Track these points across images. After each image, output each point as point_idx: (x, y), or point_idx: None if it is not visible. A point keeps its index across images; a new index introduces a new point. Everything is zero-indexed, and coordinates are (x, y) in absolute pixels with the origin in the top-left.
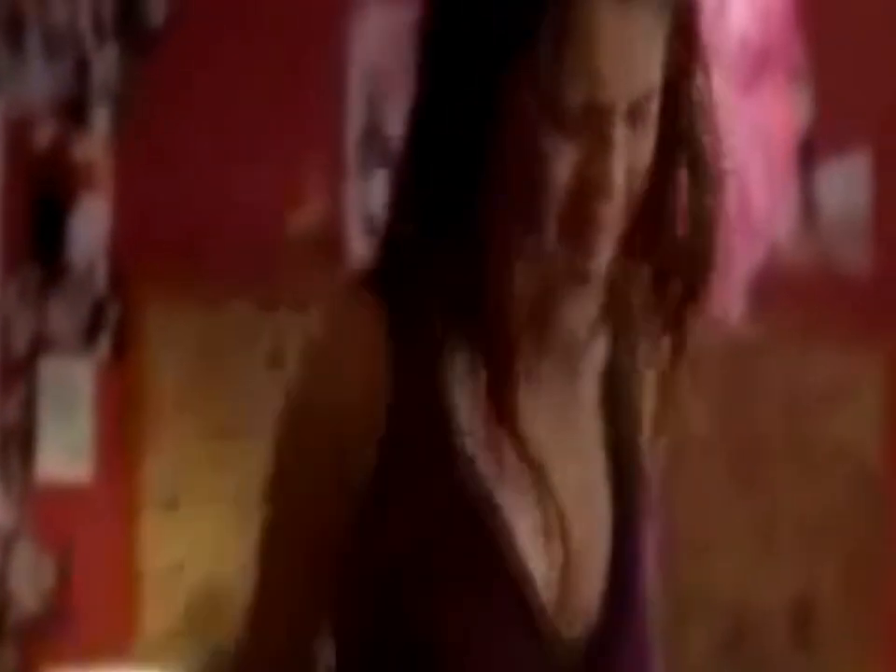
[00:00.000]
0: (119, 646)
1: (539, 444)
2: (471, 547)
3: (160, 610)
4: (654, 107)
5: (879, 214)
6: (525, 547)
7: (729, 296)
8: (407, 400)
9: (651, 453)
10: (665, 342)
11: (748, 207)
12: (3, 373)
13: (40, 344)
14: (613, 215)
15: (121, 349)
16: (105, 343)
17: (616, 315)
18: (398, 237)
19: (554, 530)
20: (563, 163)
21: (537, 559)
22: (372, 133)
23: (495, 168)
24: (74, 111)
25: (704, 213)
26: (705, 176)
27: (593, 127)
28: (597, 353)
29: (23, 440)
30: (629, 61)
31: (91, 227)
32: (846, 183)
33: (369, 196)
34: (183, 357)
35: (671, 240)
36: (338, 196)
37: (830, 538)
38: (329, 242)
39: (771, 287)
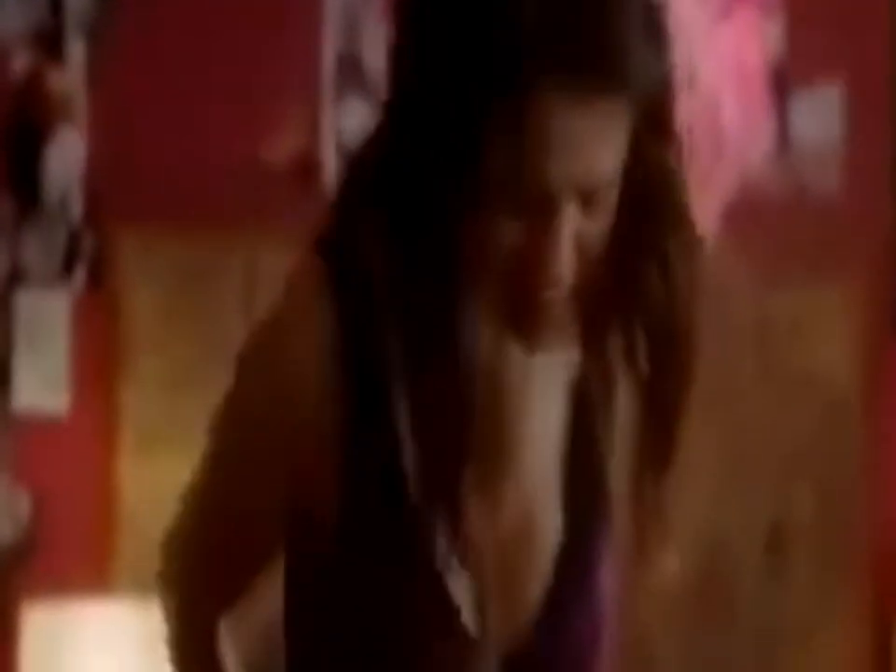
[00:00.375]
0: (96, 578)
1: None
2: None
3: (136, 542)
4: (612, 195)
5: (851, 143)
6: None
7: (702, 223)
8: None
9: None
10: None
11: (720, 133)
12: None
13: (15, 277)
14: (559, 301)
15: (97, 281)
16: (80, 276)
17: (588, 339)
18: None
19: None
20: (508, 244)
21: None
22: (348, 62)
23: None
24: (49, 43)
25: (678, 289)
26: (677, 255)
27: (540, 213)
28: (565, 370)
29: None
30: (580, 154)
31: (66, 158)
32: (818, 113)
33: (345, 124)
34: (158, 288)
35: (648, 311)
36: (314, 126)
37: (801, 465)
38: (306, 172)
39: (744, 215)
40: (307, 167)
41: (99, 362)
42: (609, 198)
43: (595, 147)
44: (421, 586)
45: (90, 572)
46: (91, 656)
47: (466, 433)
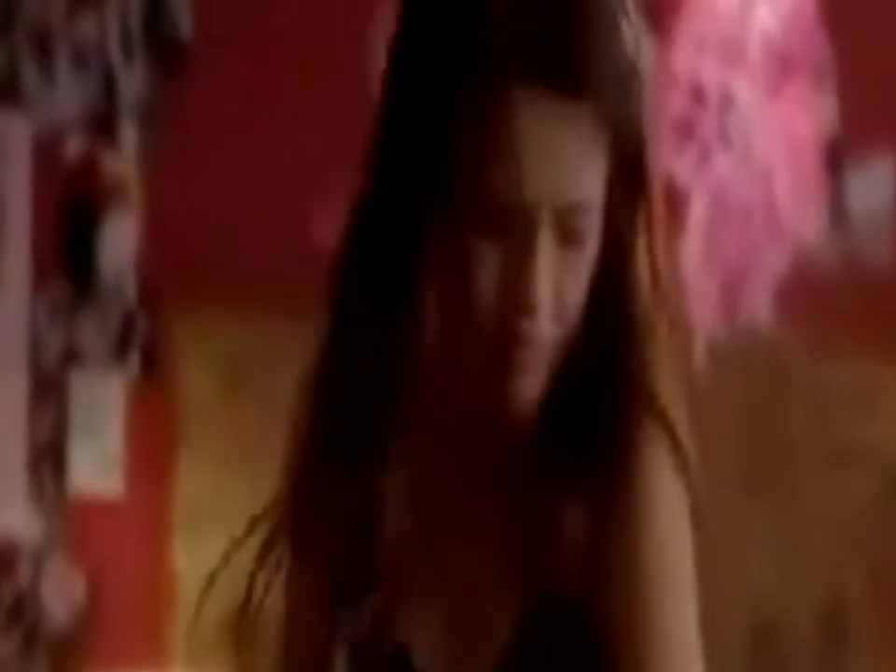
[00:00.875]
0: (151, 657)
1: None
2: None
3: (190, 621)
4: (589, 234)
5: None
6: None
7: (757, 299)
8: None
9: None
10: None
11: (775, 210)
12: (34, 389)
13: (70, 360)
14: (539, 338)
15: (151, 364)
16: (134, 359)
17: None
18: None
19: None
20: (486, 271)
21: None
22: None
23: (426, 274)
24: (103, 126)
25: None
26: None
27: (516, 232)
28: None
29: (55, 455)
30: (554, 166)
31: (120, 241)
32: (872, 186)
33: None
34: (213, 372)
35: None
36: None
37: (857, 543)
38: None
39: (799, 291)
40: None
41: (153, 444)
42: (586, 240)
43: (568, 158)
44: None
45: (145, 651)
46: None
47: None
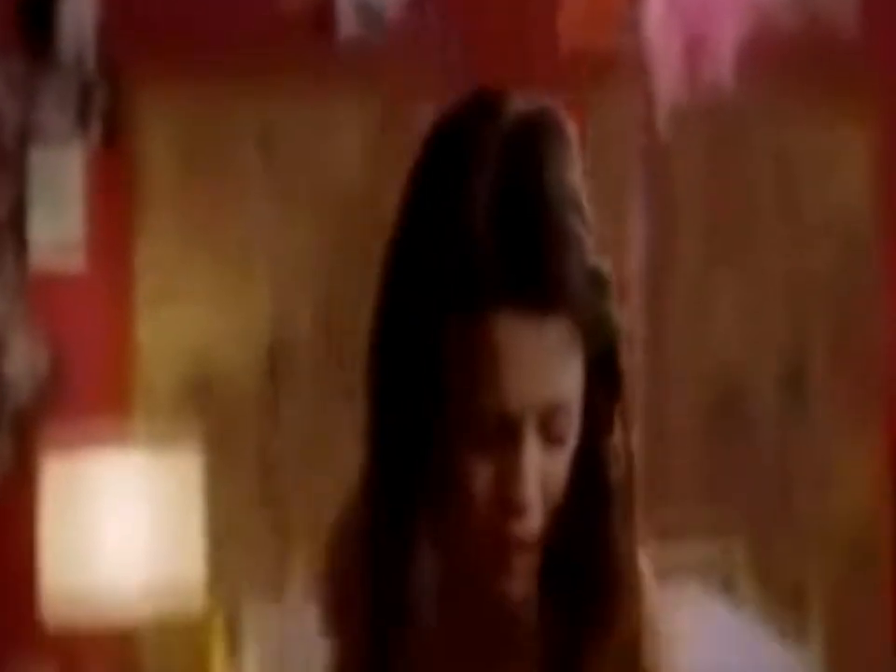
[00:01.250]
0: (113, 430)
1: None
2: None
3: (152, 395)
4: (570, 431)
5: None
6: None
7: (719, 61)
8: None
9: None
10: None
11: None
12: None
13: (29, 134)
14: (530, 534)
15: (111, 137)
16: (94, 132)
17: None
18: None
19: None
20: (479, 481)
21: None
22: None
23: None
24: None
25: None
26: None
27: (504, 440)
28: None
29: (15, 232)
30: (533, 376)
31: (80, 13)
32: None
33: None
34: (173, 143)
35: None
36: None
37: (819, 307)
38: (320, 20)
39: (761, 53)
40: (321, 15)
41: (114, 218)
42: (569, 434)
43: (547, 366)
44: None
45: (107, 424)
46: (109, 506)
47: None
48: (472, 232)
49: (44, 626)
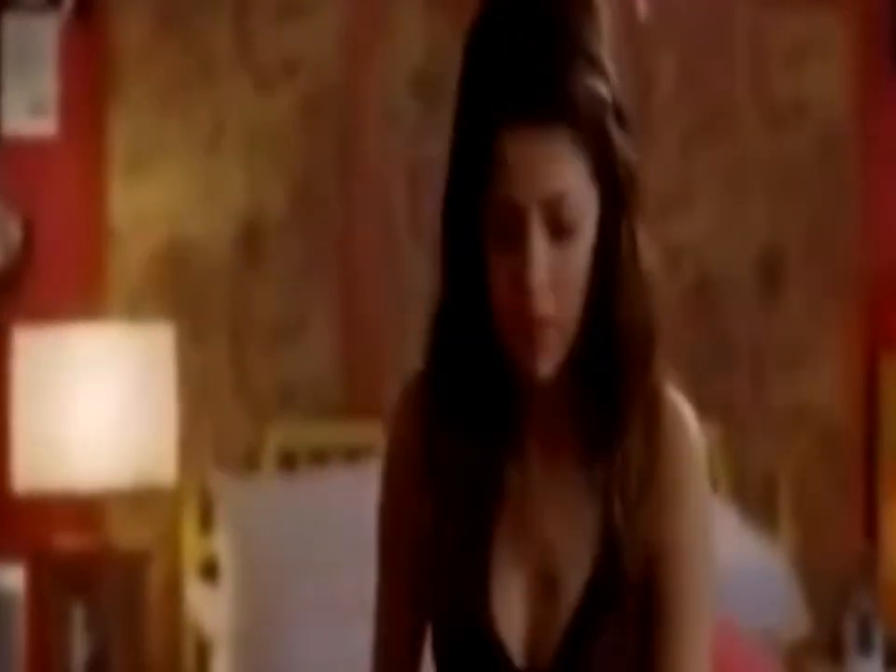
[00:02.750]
0: (86, 301)
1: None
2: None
3: (125, 265)
4: (577, 226)
5: None
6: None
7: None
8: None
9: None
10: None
11: None
12: None
13: (3, 2)
14: (546, 313)
15: (85, 5)
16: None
17: None
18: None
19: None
20: (501, 273)
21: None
22: None
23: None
24: None
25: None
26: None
27: (515, 231)
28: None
29: None
30: (535, 172)
31: None
32: None
33: None
34: (146, 10)
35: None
36: None
37: (795, 192)
38: None
39: None
40: None
41: (88, 86)
42: (576, 226)
43: (549, 165)
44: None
45: (80, 295)
46: (82, 378)
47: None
48: (496, 59)
49: (14, 494)
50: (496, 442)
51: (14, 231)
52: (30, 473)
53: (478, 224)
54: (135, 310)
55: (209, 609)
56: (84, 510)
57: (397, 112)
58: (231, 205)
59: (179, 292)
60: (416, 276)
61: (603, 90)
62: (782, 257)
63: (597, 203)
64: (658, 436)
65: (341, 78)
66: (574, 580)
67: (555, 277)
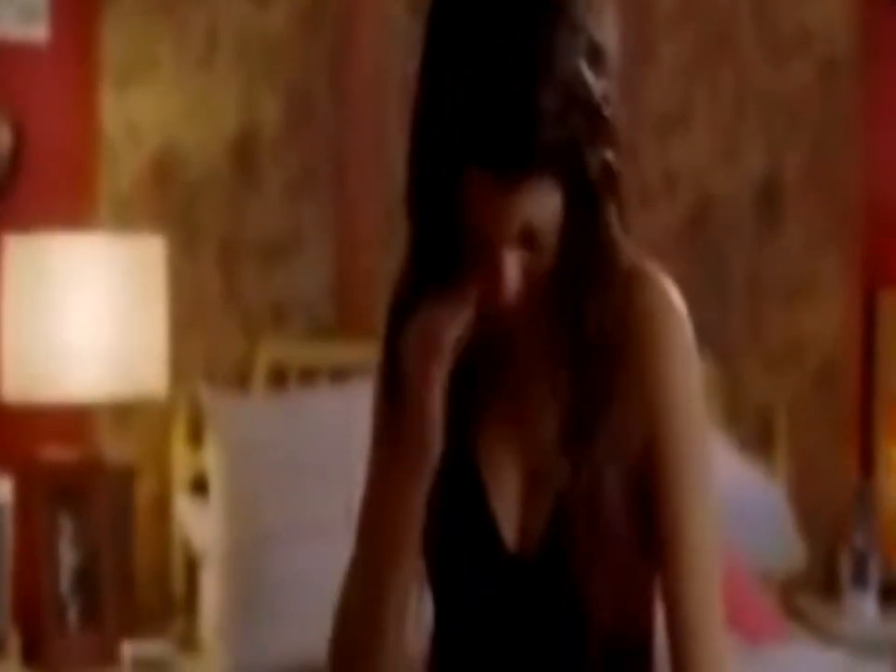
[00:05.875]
0: (77, 210)
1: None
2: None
3: (117, 175)
4: (548, 237)
5: None
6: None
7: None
8: None
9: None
10: None
11: None
12: None
13: None
14: (518, 294)
15: None
16: None
17: None
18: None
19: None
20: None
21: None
22: None
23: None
24: None
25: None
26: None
27: (487, 249)
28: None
29: None
30: (506, 214)
31: None
32: None
33: None
34: None
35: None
36: None
37: (794, 124)
38: None
39: None
40: None
41: None
42: (548, 240)
43: (520, 207)
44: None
45: (70, 204)
46: (72, 288)
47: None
48: (462, 84)
49: (2, 405)
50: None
51: (4, 138)
52: (19, 384)
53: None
54: (126, 221)
55: (198, 523)
56: (73, 421)
57: (393, 26)
58: (225, 117)
59: (171, 204)
60: None
61: (581, 87)
62: (781, 188)
63: (564, 204)
64: (637, 309)
65: None
66: (557, 460)
67: (524, 273)
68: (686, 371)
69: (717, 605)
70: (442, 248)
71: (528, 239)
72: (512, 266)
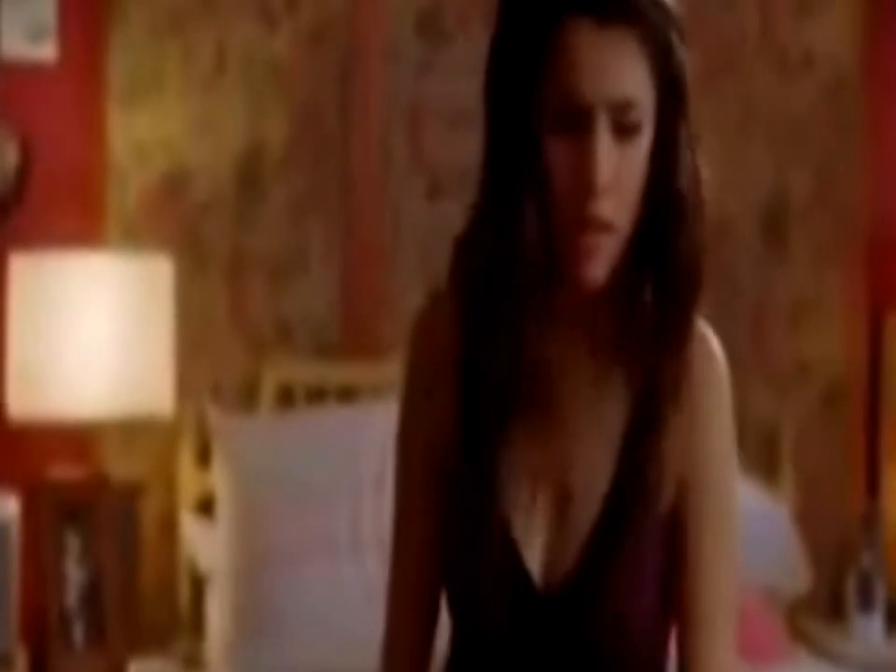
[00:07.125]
0: (84, 229)
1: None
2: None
3: (124, 194)
4: (639, 129)
5: None
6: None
7: None
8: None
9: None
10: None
11: None
12: None
13: None
14: (604, 216)
15: None
16: None
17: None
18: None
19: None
20: (561, 167)
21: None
22: None
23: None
24: None
25: (690, 242)
26: (686, 211)
27: (581, 128)
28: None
29: None
30: (604, 74)
31: None
32: None
33: None
34: None
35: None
36: None
37: (800, 146)
38: None
39: None
40: None
41: (87, 11)
42: (639, 127)
43: (616, 67)
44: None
45: (77, 222)
46: (79, 306)
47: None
48: None
49: (9, 423)
50: (525, 341)
51: (11, 157)
52: (25, 402)
53: (529, 114)
54: (133, 239)
55: (204, 542)
56: (79, 440)
57: (400, 48)
58: (232, 137)
59: (178, 223)
60: (416, 215)
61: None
62: (787, 209)
63: (654, 110)
64: (690, 364)
65: (344, 11)
66: (591, 495)
67: (616, 180)
68: (728, 418)
69: (732, 657)
70: (520, 150)
71: (621, 123)
72: (606, 145)
